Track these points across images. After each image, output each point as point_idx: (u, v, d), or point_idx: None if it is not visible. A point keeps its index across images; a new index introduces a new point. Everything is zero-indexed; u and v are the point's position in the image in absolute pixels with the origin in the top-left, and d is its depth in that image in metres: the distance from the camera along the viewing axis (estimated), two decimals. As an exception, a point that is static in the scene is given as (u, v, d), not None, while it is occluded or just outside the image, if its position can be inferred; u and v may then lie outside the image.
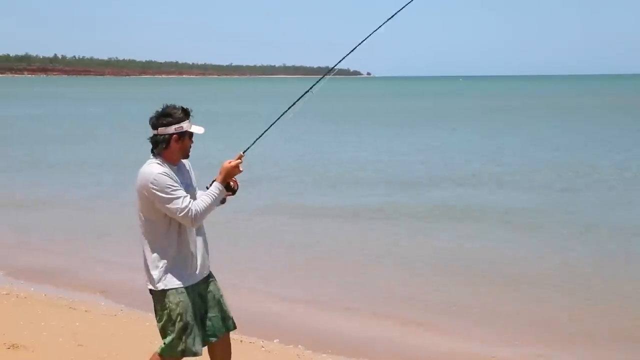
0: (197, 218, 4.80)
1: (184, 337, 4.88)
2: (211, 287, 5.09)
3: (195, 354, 4.95)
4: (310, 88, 5.43)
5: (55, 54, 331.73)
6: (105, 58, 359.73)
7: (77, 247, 12.61)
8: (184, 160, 5.03)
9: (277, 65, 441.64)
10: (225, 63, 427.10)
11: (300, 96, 5.35)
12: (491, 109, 59.41)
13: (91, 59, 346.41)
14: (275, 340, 7.85)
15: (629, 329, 8.36)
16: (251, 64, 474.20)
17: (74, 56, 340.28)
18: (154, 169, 4.80)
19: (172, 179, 4.79)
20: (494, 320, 8.71)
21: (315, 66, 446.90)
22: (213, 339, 5.07)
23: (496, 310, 9.04)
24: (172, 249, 4.84)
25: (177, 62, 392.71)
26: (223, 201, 5.09)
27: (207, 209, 4.86)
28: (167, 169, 4.82)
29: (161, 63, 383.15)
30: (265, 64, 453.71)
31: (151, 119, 4.90)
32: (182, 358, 4.98)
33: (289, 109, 5.35)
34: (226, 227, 12.73)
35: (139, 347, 7.10)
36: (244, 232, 13.33)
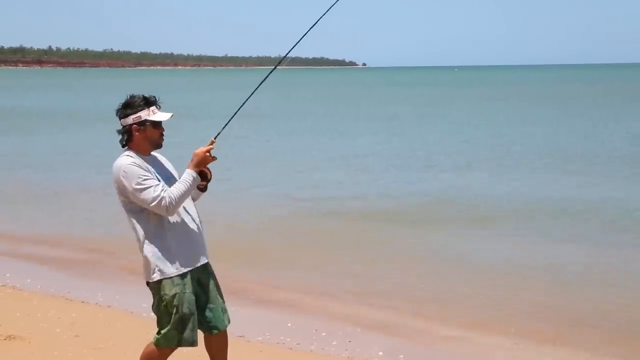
0: (172, 206, 4.71)
1: (179, 328, 4.87)
2: (211, 277, 5.06)
3: (191, 344, 4.93)
4: (264, 78, 5.41)
5: (50, 46, 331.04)
6: (100, 49, 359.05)
7: (73, 238, 12.61)
8: (156, 153, 4.98)
9: (272, 56, 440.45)
10: (220, 54, 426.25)
11: (259, 84, 5.35)
12: (511, 94, 59.43)
13: (86, 51, 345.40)
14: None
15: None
16: (246, 55, 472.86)
17: (69, 48, 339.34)
18: (124, 160, 4.78)
19: (143, 169, 4.75)
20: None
21: (310, 57, 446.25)
22: (215, 331, 5.05)
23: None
24: (161, 238, 4.81)
25: (172, 54, 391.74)
26: (204, 189, 5.04)
27: (182, 197, 4.77)
28: (137, 160, 4.79)
29: (156, 54, 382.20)
30: (260, 54, 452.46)
31: (116, 110, 4.88)
32: (177, 347, 5.00)
33: (251, 95, 5.30)
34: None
35: (135, 337, 7.13)
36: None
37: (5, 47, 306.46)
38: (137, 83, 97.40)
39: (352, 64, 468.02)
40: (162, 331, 4.92)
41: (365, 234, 12.59)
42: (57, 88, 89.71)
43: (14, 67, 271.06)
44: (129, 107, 4.82)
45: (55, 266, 10.75)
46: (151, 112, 4.82)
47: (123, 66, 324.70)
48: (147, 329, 7.47)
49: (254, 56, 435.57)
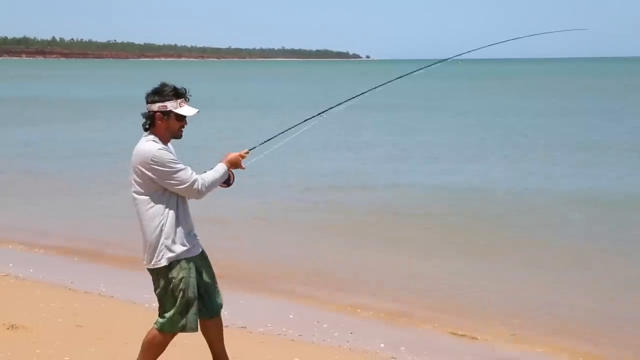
0: (203, 189, 4.87)
1: (184, 313, 4.92)
2: (208, 265, 5.14)
3: (194, 330, 5.01)
4: (323, 112, 5.64)
5: (54, 37, 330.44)
6: (104, 40, 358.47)
7: (77, 229, 12.64)
8: (169, 144, 5.01)
9: (276, 48, 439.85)
10: (224, 46, 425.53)
11: (313, 116, 5.60)
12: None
13: (89, 42, 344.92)
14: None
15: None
16: (250, 47, 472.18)
17: (72, 39, 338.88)
18: (152, 146, 4.83)
19: (172, 153, 4.86)
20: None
21: (314, 49, 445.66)
22: (214, 316, 5.13)
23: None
24: (172, 224, 4.86)
25: (175, 45, 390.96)
26: (227, 183, 5.12)
27: (212, 183, 4.94)
28: (162, 145, 4.86)
29: (160, 46, 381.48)
30: (264, 47, 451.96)
31: (145, 94, 4.94)
32: (179, 333, 5.03)
33: (302, 122, 5.52)
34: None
35: (137, 327, 7.12)
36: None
37: (8, 38, 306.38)
38: (158, 74, 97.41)
39: (355, 56, 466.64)
40: (167, 315, 4.95)
41: (368, 226, 12.60)
42: (80, 78, 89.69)
43: (18, 58, 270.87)
44: (157, 94, 4.90)
45: (58, 256, 10.78)
46: (178, 105, 4.89)
47: (127, 57, 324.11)
48: (149, 320, 7.42)
49: (257, 48, 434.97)
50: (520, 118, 33.22)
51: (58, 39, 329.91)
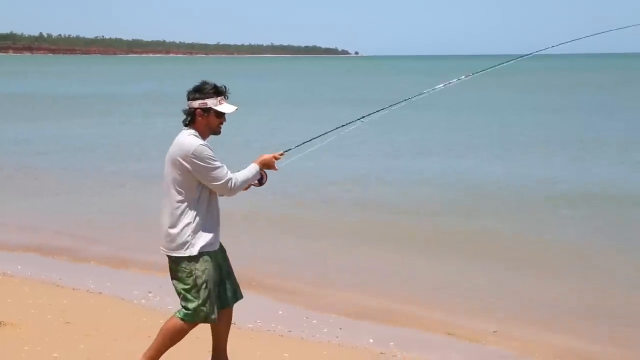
0: (236, 188, 5.10)
1: (207, 304, 5.09)
2: (226, 257, 5.35)
3: (213, 321, 5.18)
4: (362, 117, 5.96)
5: (41, 32, 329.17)
6: (92, 36, 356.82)
7: (65, 225, 12.60)
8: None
9: (264, 44, 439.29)
10: (212, 42, 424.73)
11: (351, 121, 5.90)
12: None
13: (77, 38, 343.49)
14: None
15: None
16: (239, 43, 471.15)
17: (60, 34, 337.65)
18: (194, 140, 5.02)
19: (211, 150, 5.05)
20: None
21: (302, 45, 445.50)
22: (227, 308, 5.32)
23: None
24: (201, 216, 5.04)
25: (164, 41, 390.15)
26: (260, 183, 5.36)
27: (244, 182, 5.18)
28: (204, 142, 5.06)
29: (148, 42, 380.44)
30: (253, 43, 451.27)
31: (187, 92, 5.16)
32: (198, 324, 5.19)
33: (338, 127, 5.80)
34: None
35: (125, 324, 7.15)
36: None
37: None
38: (146, 71, 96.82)
39: (344, 52, 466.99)
40: (191, 306, 5.08)
41: (357, 222, 12.62)
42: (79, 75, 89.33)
43: (5, 54, 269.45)
44: (198, 91, 5.11)
45: (46, 253, 10.73)
46: (218, 102, 5.10)
47: (114, 53, 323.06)
48: (137, 316, 7.51)
49: (246, 44, 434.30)
50: (511, 113, 33.35)
51: (45, 35, 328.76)
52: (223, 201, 5.24)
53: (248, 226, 12.24)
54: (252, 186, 5.35)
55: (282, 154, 5.43)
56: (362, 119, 5.95)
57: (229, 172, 5.07)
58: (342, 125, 5.87)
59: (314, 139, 5.68)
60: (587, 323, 7.94)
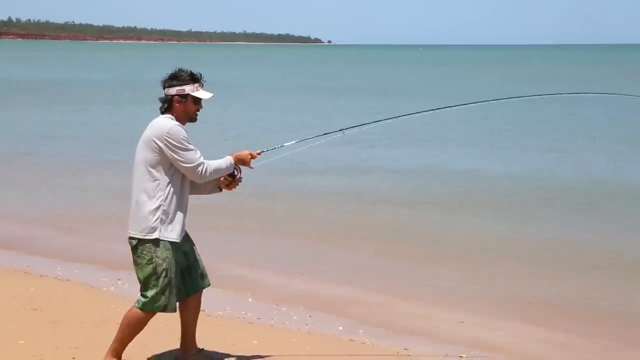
0: (205, 174, 5.11)
1: (166, 293, 5.07)
2: (192, 245, 5.35)
3: (173, 311, 5.18)
4: (344, 129, 6.05)
5: (10, 17, 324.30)
6: (62, 22, 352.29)
7: (33, 212, 12.47)
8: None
9: (237, 32, 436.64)
10: (184, 29, 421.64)
11: (332, 131, 6.03)
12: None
13: (47, 23, 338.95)
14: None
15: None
16: (211, 30, 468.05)
17: (29, 19, 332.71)
18: (169, 122, 5.08)
19: (186, 133, 5.09)
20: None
21: (275, 33, 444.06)
22: (193, 295, 5.32)
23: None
24: (169, 202, 5.04)
25: (135, 27, 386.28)
26: (220, 190, 5.46)
27: (215, 171, 5.20)
28: (180, 123, 5.10)
29: (119, 28, 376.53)
30: (225, 30, 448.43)
31: (162, 80, 5.19)
32: (158, 313, 5.17)
33: (316, 136, 5.86)
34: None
35: (93, 311, 7.10)
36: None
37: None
38: (117, 57, 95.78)
39: (317, 40, 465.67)
40: (149, 294, 5.07)
41: (329, 211, 12.63)
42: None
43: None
44: (175, 78, 5.16)
45: (13, 240, 10.60)
46: (195, 88, 5.15)
47: (84, 39, 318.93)
48: (106, 303, 7.47)
49: (218, 32, 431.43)
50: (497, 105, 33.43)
51: (14, 20, 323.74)
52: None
53: (218, 217, 12.18)
54: (224, 189, 5.45)
55: (259, 153, 5.48)
56: (343, 131, 6.03)
57: (202, 157, 5.10)
58: (324, 134, 5.94)
59: (292, 143, 5.82)
60: (581, 318, 7.91)
